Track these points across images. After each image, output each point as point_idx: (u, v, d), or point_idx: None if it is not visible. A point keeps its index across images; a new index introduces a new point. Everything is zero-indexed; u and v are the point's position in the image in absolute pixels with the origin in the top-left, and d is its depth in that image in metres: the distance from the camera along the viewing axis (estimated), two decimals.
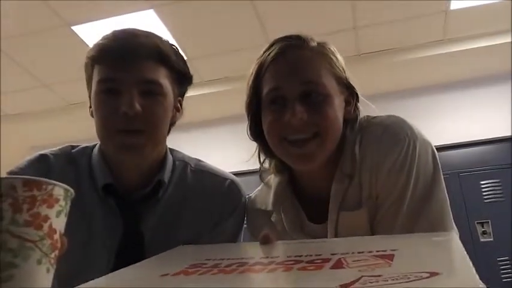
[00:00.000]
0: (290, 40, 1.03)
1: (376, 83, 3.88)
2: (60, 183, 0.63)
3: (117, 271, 0.72)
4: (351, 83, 1.05)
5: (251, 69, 1.05)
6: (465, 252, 0.62)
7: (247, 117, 1.08)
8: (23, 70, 3.86)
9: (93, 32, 3.43)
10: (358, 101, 1.06)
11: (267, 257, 0.74)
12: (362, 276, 0.53)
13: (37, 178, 0.61)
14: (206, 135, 4.64)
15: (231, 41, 3.74)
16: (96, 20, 3.36)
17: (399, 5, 3.39)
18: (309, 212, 1.08)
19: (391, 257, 0.61)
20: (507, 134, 3.99)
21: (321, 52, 1.02)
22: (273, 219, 1.09)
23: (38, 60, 3.80)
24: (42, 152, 1.15)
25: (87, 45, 3.85)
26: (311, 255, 0.68)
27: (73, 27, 3.43)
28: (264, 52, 1.04)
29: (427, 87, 4.31)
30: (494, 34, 3.79)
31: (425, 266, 0.56)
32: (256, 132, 1.06)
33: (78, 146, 1.19)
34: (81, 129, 2.77)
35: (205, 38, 3.67)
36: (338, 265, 0.60)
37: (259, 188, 1.19)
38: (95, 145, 1.17)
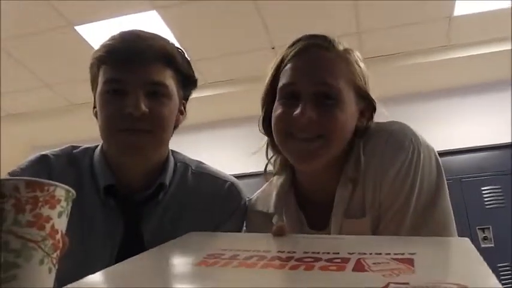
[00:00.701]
0: (316, 39, 1.03)
1: (378, 88, 3.88)
2: (62, 185, 0.64)
3: (131, 258, 0.72)
4: (370, 95, 1.04)
5: (272, 63, 1.05)
6: (482, 259, 0.61)
7: (261, 109, 1.08)
8: (25, 70, 3.88)
9: (95, 33, 3.44)
10: (374, 113, 1.05)
11: (284, 251, 0.73)
12: (389, 283, 0.52)
13: (39, 179, 0.62)
14: (208, 137, 4.65)
15: (234, 43, 3.75)
16: (99, 20, 3.36)
17: (403, 11, 3.40)
18: (309, 218, 1.07)
19: (411, 262, 0.60)
20: (508, 140, 3.99)
21: (345, 58, 1.01)
22: (274, 221, 1.09)
23: (41, 60, 3.81)
24: (43, 152, 1.15)
25: (90, 45, 3.87)
26: (328, 253, 0.67)
27: (76, 27, 3.44)
28: (289, 47, 1.03)
29: (429, 92, 4.31)
30: (496, 41, 3.79)
31: (450, 275, 0.55)
32: (268, 126, 1.05)
33: (79, 146, 1.19)
34: (82, 130, 2.77)
35: (208, 40, 3.68)
36: (359, 267, 0.59)
37: (260, 189, 1.19)
38: (97, 146, 1.17)
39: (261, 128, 1.11)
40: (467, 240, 0.75)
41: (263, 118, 1.10)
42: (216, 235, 0.95)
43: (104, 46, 1.06)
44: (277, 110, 1.02)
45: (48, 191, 0.62)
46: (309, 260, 0.64)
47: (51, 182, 0.63)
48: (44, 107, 4.48)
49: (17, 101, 4.32)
